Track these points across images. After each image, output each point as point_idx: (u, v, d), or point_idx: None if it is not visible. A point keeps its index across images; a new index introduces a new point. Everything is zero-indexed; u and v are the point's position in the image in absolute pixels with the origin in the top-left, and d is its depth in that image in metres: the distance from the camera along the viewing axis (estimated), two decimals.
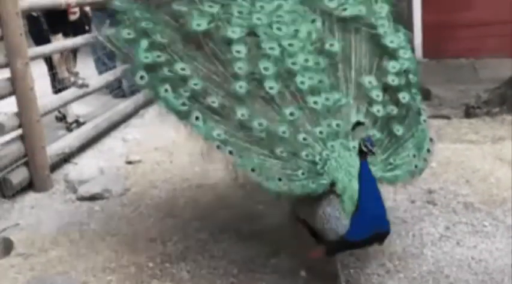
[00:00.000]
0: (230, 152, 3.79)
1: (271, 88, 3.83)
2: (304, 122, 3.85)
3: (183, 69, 3.92)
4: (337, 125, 3.86)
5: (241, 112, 3.82)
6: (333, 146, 3.79)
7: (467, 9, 9.73)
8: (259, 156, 3.78)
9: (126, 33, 4.08)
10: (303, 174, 3.74)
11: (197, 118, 3.83)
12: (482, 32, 9.45)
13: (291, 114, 3.82)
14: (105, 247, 4.68)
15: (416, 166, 4.02)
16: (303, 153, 3.77)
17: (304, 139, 3.80)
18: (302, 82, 3.89)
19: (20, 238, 4.88)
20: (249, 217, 4.92)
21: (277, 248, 4.37)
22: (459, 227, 4.66)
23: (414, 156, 4.01)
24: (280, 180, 3.72)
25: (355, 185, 3.60)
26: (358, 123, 3.72)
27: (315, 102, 3.87)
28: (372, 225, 3.59)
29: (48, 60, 7.61)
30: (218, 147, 3.80)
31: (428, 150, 4.14)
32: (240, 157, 3.78)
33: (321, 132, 3.82)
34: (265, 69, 3.87)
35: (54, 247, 4.72)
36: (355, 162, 3.66)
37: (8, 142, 5.75)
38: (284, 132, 3.78)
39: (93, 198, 5.61)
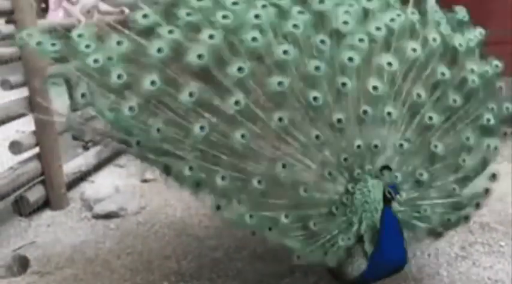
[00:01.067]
0: (271, 234, 3.54)
1: (280, 119, 3.44)
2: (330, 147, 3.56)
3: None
4: (375, 146, 3.59)
5: (256, 180, 3.47)
6: (359, 174, 3.60)
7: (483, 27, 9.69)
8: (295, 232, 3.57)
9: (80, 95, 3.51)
10: (342, 240, 3.59)
11: (218, 207, 3.55)
12: (497, 50, 9.40)
13: (317, 137, 3.51)
14: (120, 265, 4.69)
15: (449, 220, 3.90)
16: (334, 209, 3.57)
17: (330, 173, 3.56)
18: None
19: (36, 256, 4.91)
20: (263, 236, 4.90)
21: (291, 268, 4.36)
22: (475, 247, 4.63)
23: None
24: (326, 254, 3.61)
25: (377, 222, 3.54)
26: (386, 167, 3.57)
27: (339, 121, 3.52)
28: (389, 267, 3.59)
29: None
30: (254, 233, 3.64)
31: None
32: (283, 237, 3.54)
33: (345, 160, 3.57)
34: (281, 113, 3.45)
35: (70, 265, 4.74)
36: (379, 192, 3.54)
37: (25, 161, 5.80)
38: (306, 189, 3.50)
39: (108, 216, 5.64)
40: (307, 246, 3.58)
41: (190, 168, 3.47)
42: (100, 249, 5.03)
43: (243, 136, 3.43)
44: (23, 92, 5.75)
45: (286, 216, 3.51)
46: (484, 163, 3.93)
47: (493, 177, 4.02)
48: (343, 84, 3.50)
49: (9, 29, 5.51)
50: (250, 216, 3.47)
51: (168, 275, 4.45)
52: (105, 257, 4.86)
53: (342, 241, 3.59)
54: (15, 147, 5.60)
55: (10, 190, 5.54)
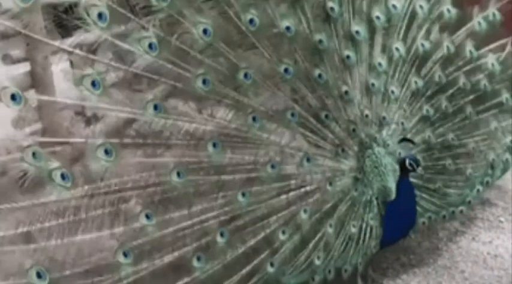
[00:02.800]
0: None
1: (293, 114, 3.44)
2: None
3: None
4: (383, 118, 3.72)
5: (306, 215, 3.41)
6: (367, 143, 3.65)
7: None
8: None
9: None
10: (372, 218, 3.63)
11: None
12: None
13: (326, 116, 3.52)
14: None
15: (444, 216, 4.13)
16: (354, 192, 3.59)
17: (343, 150, 3.59)
18: None
19: None
20: None
21: None
22: (475, 222, 4.66)
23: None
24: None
25: (386, 185, 3.59)
26: (407, 140, 3.67)
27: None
28: (403, 231, 3.75)
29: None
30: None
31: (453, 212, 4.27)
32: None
33: (354, 130, 3.60)
34: None
35: None
36: (386, 159, 3.62)
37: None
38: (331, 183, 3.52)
39: None
40: (362, 249, 3.61)
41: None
42: None
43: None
44: (25, 67, 5.73)
45: (330, 225, 3.48)
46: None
47: (478, 191, 4.31)
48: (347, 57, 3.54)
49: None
50: (318, 257, 3.42)
51: None
52: None
53: (372, 220, 3.63)
54: (18, 122, 5.58)
55: None
